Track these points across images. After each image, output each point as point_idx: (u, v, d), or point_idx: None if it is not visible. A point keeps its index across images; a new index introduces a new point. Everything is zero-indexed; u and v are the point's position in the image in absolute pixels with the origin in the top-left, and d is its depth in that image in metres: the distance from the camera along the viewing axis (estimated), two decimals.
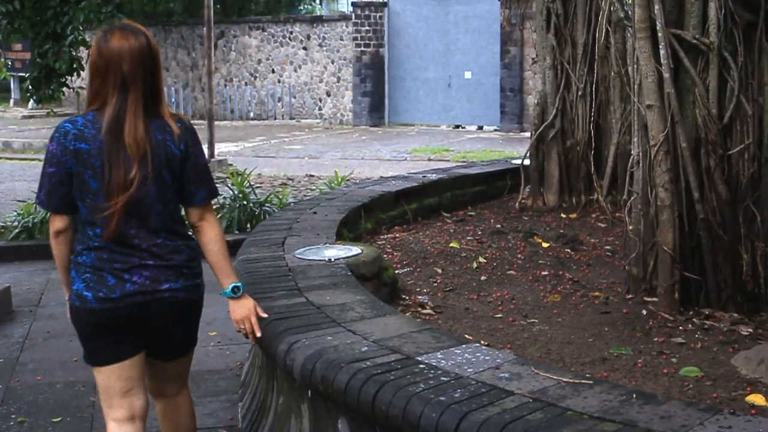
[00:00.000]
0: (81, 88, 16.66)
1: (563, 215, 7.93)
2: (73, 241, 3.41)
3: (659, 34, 4.95)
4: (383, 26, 24.82)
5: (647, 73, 4.99)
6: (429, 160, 17.38)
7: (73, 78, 13.05)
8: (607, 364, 4.22)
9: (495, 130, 22.99)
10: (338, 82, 25.89)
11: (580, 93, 8.17)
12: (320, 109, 26.24)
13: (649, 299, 5.12)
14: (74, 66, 12.37)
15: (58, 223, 3.39)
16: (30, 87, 13.05)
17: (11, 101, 36.94)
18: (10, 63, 33.92)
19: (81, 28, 12.39)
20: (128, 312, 3.37)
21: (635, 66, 5.20)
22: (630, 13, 5.18)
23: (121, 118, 3.26)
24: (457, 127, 24.12)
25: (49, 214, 3.51)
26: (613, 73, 7.95)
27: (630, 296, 5.30)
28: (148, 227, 3.36)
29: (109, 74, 3.28)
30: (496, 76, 23.12)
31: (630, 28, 5.18)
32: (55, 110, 23.84)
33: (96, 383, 3.61)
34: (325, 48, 26.05)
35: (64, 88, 13.01)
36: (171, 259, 3.38)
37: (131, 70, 3.27)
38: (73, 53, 12.37)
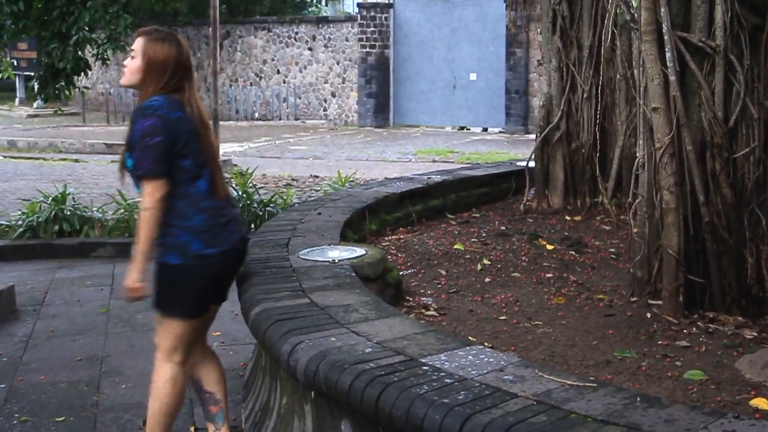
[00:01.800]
0: (86, 87, 16.73)
1: (568, 218, 7.92)
2: None
3: (665, 37, 4.94)
4: (389, 27, 24.83)
5: (653, 75, 4.98)
6: (434, 161, 17.38)
7: (80, 77, 13.06)
8: (611, 367, 4.21)
9: (500, 132, 22.98)
10: (343, 83, 25.90)
11: (585, 95, 8.16)
12: (325, 109, 26.25)
13: (654, 302, 5.12)
14: (80, 65, 12.39)
15: (165, 187, 3.94)
16: (37, 86, 13.08)
17: (16, 100, 37.00)
18: (15, 62, 34.00)
19: (87, 28, 12.41)
20: (238, 259, 4.22)
21: (641, 69, 5.19)
22: (636, 15, 5.17)
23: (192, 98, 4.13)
24: (462, 128, 24.12)
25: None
26: (618, 76, 7.95)
27: (634, 299, 5.29)
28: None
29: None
30: (501, 78, 23.12)
31: (636, 31, 5.17)
32: (62, 109, 23.86)
33: (167, 334, 4.18)
34: (330, 49, 26.06)
35: (71, 87, 13.03)
36: (237, 208, 4.14)
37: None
38: (79, 53, 12.38)
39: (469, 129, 24.02)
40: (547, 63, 8.44)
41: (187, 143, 4.01)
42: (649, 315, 4.99)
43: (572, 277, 5.96)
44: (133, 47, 4.17)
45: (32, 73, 29.25)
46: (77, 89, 13.84)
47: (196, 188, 4.03)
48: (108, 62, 14.94)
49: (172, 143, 3.96)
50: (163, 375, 4.15)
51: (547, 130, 8.27)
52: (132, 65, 4.13)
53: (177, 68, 4.10)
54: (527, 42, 22.45)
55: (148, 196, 3.94)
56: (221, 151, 16.58)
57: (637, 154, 5.43)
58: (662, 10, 4.92)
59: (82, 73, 12.64)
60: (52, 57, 12.20)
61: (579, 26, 8.22)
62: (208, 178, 4.05)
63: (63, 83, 12.56)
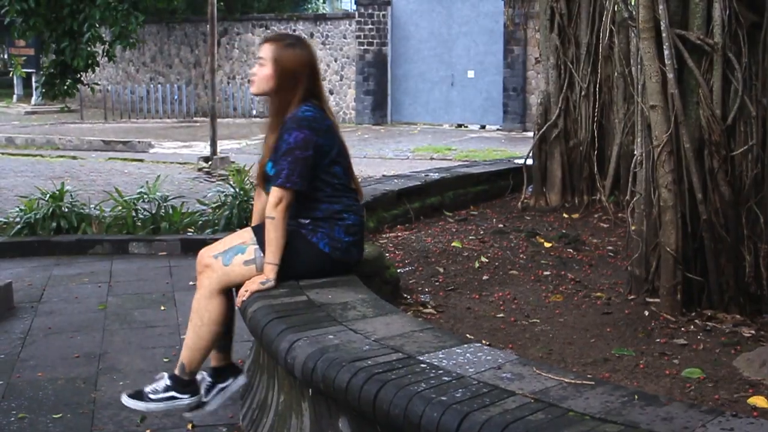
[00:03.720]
0: (96, 83, 16.75)
1: (566, 215, 7.93)
2: None
3: (663, 35, 4.94)
4: (387, 25, 24.83)
5: (651, 73, 4.98)
6: (431, 159, 17.39)
7: (87, 74, 13.12)
8: (608, 365, 4.21)
9: (498, 129, 22.99)
10: (341, 80, 25.90)
11: (583, 93, 8.17)
12: None
13: (652, 300, 5.12)
14: (90, 62, 12.44)
15: (293, 198, 4.14)
16: (42, 83, 13.12)
17: (14, 97, 36.98)
18: (13, 60, 33.99)
19: (97, 25, 12.45)
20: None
21: (639, 66, 5.19)
22: (634, 13, 5.16)
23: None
24: (460, 126, 24.12)
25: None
26: (616, 74, 7.95)
27: (632, 297, 5.29)
28: None
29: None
30: (499, 76, 23.11)
31: (634, 29, 5.17)
32: (69, 106, 23.85)
33: (237, 276, 4.24)
34: (328, 46, 26.05)
35: (77, 84, 13.08)
36: None
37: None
38: (90, 50, 12.43)
39: (466, 126, 24.02)
40: (544, 60, 8.44)
41: (339, 151, 4.27)
42: (646, 313, 4.99)
43: (570, 274, 5.97)
44: (260, 54, 4.23)
45: (30, 70, 29.36)
46: (86, 86, 13.87)
47: (350, 194, 4.32)
48: (115, 59, 14.98)
49: (321, 155, 4.15)
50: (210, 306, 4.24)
51: (545, 127, 8.28)
52: (262, 73, 4.20)
53: (310, 73, 4.24)
54: (525, 39, 22.45)
55: (280, 206, 4.10)
56: (218, 148, 16.64)
57: (635, 152, 5.44)
58: (660, 7, 4.92)
59: (91, 70, 12.70)
60: (64, 54, 12.23)
61: (577, 24, 8.22)
62: (356, 185, 4.40)
63: (71, 80, 12.60)
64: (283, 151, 4.10)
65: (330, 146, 4.20)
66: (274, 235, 4.12)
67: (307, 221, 4.24)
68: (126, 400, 4.24)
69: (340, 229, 4.24)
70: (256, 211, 4.52)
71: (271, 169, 4.21)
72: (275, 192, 4.12)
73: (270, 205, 4.13)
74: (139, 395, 4.23)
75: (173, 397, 4.23)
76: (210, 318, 4.17)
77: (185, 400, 4.25)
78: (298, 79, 4.17)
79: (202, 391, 4.30)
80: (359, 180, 4.62)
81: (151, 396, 4.21)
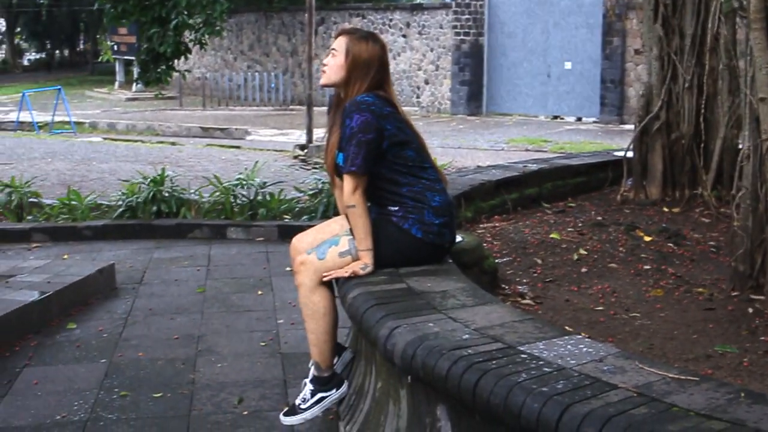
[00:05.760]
0: (187, 71, 16.99)
1: (666, 209, 7.78)
2: None
3: None
4: (483, 15, 24.68)
5: (761, 65, 4.85)
6: (526, 150, 17.26)
7: (183, 61, 13.30)
8: (711, 362, 4.13)
9: (594, 121, 22.67)
10: (437, 70, 25.84)
11: (686, 85, 7.99)
12: (418, 97, 26.23)
13: (756, 297, 5.01)
14: (179, 49, 12.60)
15: (365, 181, 4.19)
16: (138, 70, 13.37)
17: (116, 84, 37.81)
18: (115, 46, 34.77)
19: (185, 13, 12.61)
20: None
21: (748, 58, 5.07)
22: (745, 2, 5.04)
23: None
24: (555, 117, 23.87)
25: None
26: (721, 65, 7.76)
27: (735, 293, 5.18)
28: None
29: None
30: (596, 67, 22.78)
31: (744, 19, 5.04)
32: (162, 92, 24.32)
33: (333, 265, 4.24)
34: (424, 36, 26.02)
35: (170, 71, 13.27)
36: None
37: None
38: (178, 37, 12.59)
39: (562, 118, 23.75)
40: (647, 52, 8.28)
41: (408, 135, 4.29)
42: (750, 310, 4.88)
43: (671, 269, 5.86)
44: (334, 46, 4.33)
45: (131, 58, 30.01)
46: (178, 73, 14.06)
47: (428, 174, 4.31)
48: (205, 46, 15.16)
49: (385, 139, 4.18)
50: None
51: (646, 119, 8.13)
52: (334, 63, 4.30)
53: (380, 66, 4.30)
54: (624, 30, 22.07)
55: (357, 192, 4.16)
56: (314, 136, 16.75)
57: (742, 146, 5.31)
58: None
59: (182, 57, 12.86)
60: (152, 41, 12.43)
61: (681, 14, 8.05)
62: (433, 165, 4.37)
63: (163, 67, 12.78)
64: (347, 136, 4.16)
65: (393, 130, 4.22)
66: (359, 221, 4.17)
67: (396, 208, 4.27)
68: (284, 419, 4.33)
69: (429, 212, 4.24)
70: (339, 202, 4.55)
71: (339, 157, 4.26)
72: (348, 180, 4.17)
73: (347, 194, 4.18)
74: (292, 410, 4.32)
75: (322, 398, 4.31)
76: (320, 312, 4.22)
77: (334, 394, 4.33)
78: (367, 72, 4.25)
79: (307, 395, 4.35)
80: (444, 168, 4.63)
81: (303, 406, 4.29)
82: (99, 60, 47.63)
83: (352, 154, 4.13)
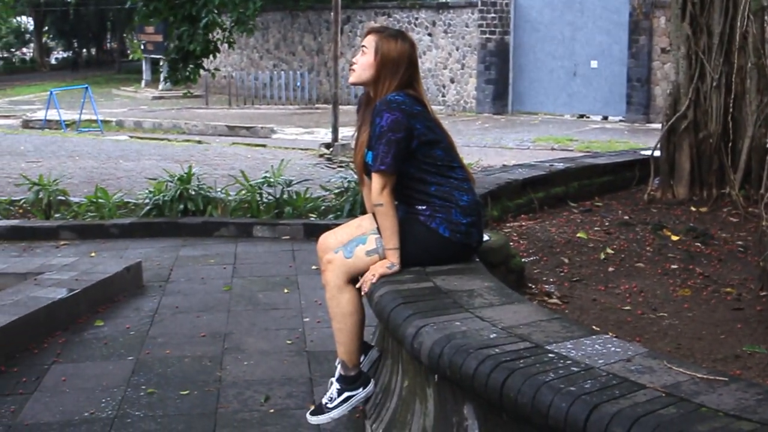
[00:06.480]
0: (217, 69, 17.04)
1: (693, 208, 7.73)
2: None
3: None
4: (509, 13, 24.63)
5: None
6: (552, 149, 17.22)
7: (210, 59, 13.36)
8: (739, 362, 4.11)
9: (620, 120, 22.58)
10: (462, 69, 25.81)
11: (714, 84, 7.94)
12: (444, 95, 26.21)
13: None
14: (209, 48, 12.64)
15: (394, 180, 4.19)
16: (167, 69, 13.43)
17: (143, 82, 38.01)
18: (142, 45, 34.95)
19: (215, 11, 12.66)
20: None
21: None
22: None
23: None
24: (581, 116, 23.78)
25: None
26: (750, 64, 7.71)
27: (764, 293, 5.14)
28: None
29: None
30: (623, 66, 22.67)
31: None
32: (191, 91, 24.42)
33: (362, 266, 4.26)
34: (450, 35, 25.99)
35: (199, 70, 13.32)
36: None
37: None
38: (208, 36, 12.64)
39: (588, 117, 23.67)
40: (675, 50, 8.24)
41: (437, 134, 4.28)
42: None
43: (698, 269, 5.83)
44: (363, 44, 4.34)
45: (159, 56, 30.15)
46: (207, 71, 14.11)
47: (457, 173, 4.30)
48: (234, 46, 15.21)
49: (415, 138, 4.18)
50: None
51: (673, 118, 8.08)
52: (364, 62, 4.31)
53: (409, 65, 4.30)
54: (651, 29, 21.96)
55: (385, 191, 4.16)
56: (340, 135, 16.79)
57: None
58: None
59: (211, 56, 12.90)
60: (182, 40, 12.48)
61: (710, 12, 7.99)
62: (461, 165, 4.36)
63: (192, 66, 12.84)
64: (377, 135, 4.16)
65: (423, 129, 4.22)
66: (387, 220, 4.17)
67: (424, 207, 4.26)
68: (311, 418, 4.35)
69: (457, 211, 4.24)
70: (367, 201, 4.56)
71: (370, 158, 4.25)
72: (376, 178, 4.17)
73: (375, 192, 4.18)
74: (319, 409, 4.34)
75: (349, 397, 4.32)
76: (347, 310, 4.23)
77: (361, 393, 4.34)
78: (396, 71, 4.26)
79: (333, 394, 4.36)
80: (470, 167, 4.63)
81: (329, 405, 4.31)
82: (129, 59, 47.92)
83: (381, 153, 4.12)
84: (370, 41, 4.31)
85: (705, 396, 2.81)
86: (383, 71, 4.26)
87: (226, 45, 15.01)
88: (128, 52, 45.35)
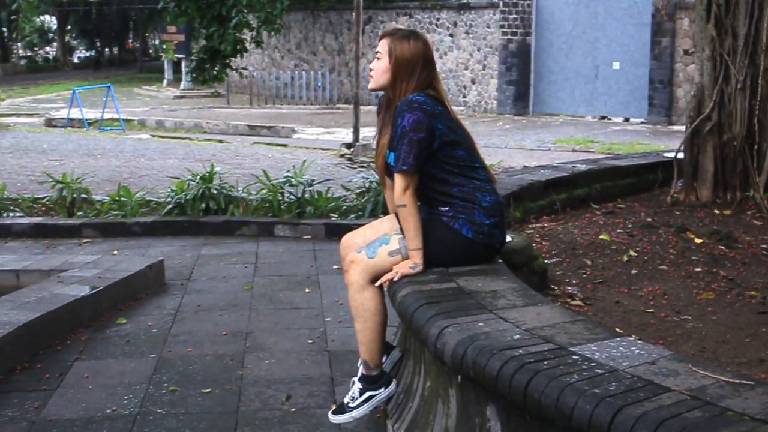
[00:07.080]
0: (244, 68, 17.12)
1: (717, 211, 7.68)
2: None
3: None
4: (531, 14, 24.57)
5: None
6: (573, 150, 17.17)
7: (235, 59, 13.42)
8: (764, 366, 4.08)
9: (642, 122, 22.48)
10: (483, 69, 25.77)
11: (739, 86, 7.89)
12: (464, 96, 26.17)
13: None
14: (238, 47, 12.71)
15: (416, 180, 4.18)
16: (194, 68, 13.50)
17: (164, 81, 38.17)
18: (164, 45, 35.07)
19: (245, 11, 12.72)
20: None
21: None
22: None
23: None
24: (603, 118, 23.69)
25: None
26: None
27: None
28: None
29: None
30: (645, 68, 22.57)
31: None
32: (219, 91, 24.49)
33: (385, 266, 4.25)
34: (471, 35, 25.95)
35: (227, 69, 13.39)
36: None
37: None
38: (238, 35, 12.72)
39: (609, 119, 23.58)
40: (699, 52, 8.19)
41: (459, 135, 4.27)
42: None
43: (722, 272, 5.79)
44: (378, 49, 4.35)
45: (181, 56, 30.24)
46: (235, 71, 14.16)
47: (479, 174, 4.29)
48: (263, 45, 15.28)
49: (437, 138, 4.16)
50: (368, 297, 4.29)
51: (697, 120, 8.04)
52: (379, 67, 4.32)
53: (425, 64, 4.29)
54: (674, 30, 21.86)
55: (408, 192, 4.16)
56: (361, 135, 16.77)
57: None
58: None
59: (239, 55, 12.97)
60: (212, 39, 12.55)
61: (735, 14, 7.94)
62: (483, 165, 4.34)
63: (220, 65, 12.91)
64: (399, 135, 4.15)
65: (445, 129, 4.19)
66: (410, 221, 4.17)
67: (447, 208, 4.26)
68: (333, 417, 4.35)
69: (480, 212, 4.23)
70: (389, 202, 4.55)
71: (392, 159, 4.25)
72: (398, 179, 4.17)
73: (397, 193, 4.18)
74: (341, 408, 4.34)
75: (371, 397, 4.32)
76: (370, 310, 4.23)
77: (383, 393, 4.34)
78: (413, 71, 4.24)
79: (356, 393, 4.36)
80: (491, 168, 4.61)
81: (351, 405, 4.31)
82: (158, 58, 48.13)
83: (403, 153, 4.12)
84: (383, 45, 4.31)
85: (730, 400, 2.79)
86: (399, 73, 4.25)
87: (254, 44, 15.07)
88: (159, 53, 45.52)
